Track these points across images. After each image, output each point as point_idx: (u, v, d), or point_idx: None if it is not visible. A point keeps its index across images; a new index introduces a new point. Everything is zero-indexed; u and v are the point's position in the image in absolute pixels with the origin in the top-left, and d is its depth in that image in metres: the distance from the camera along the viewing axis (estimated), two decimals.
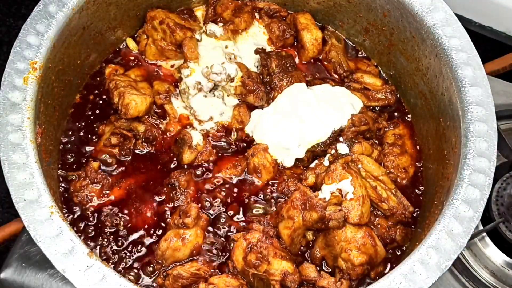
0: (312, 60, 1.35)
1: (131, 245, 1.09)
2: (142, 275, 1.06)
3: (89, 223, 1.11)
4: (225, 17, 1.34)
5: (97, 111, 1.24)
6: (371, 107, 1.28)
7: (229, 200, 1.15)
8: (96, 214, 1.11)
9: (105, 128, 1.20)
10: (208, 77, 1.25)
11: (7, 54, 1.03)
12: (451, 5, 1.16)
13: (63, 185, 1.14)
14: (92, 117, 1.23)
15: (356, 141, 1.18)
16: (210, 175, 1.18)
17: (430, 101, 1.21)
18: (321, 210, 1.04)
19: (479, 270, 1.18)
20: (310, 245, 1.11)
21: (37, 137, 1.02)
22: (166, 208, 1.13)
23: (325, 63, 1.35)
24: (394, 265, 1.10)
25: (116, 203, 1.13)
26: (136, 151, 1.19)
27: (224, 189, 1.16)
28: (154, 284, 1.06)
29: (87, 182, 1.13)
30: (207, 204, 1.14)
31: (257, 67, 1.31)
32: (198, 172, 1.18)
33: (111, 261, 1.07)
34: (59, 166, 1.16)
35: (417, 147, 1.26)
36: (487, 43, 1.53)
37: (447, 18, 1.15)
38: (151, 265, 1.07)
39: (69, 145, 1.19)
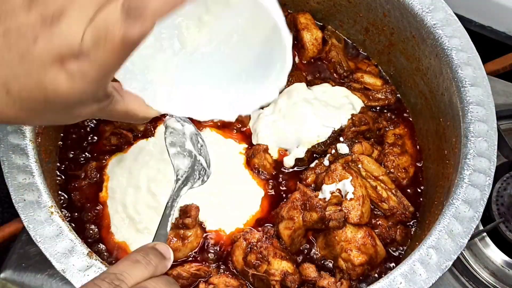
0: (312, 60, 1.35)
1: None
2: None
3: (88, 223, 1.10)
4: None
5: None
6: (371, 107, 1.28)
7: None
8: (95, 214, 1.11)
9: (105, 127, 1.20)
10: None
11: None
12: (451, 5, 1.16)
13: (62, 184, 1.14)
14: None
15: (356, 141, 1.18)
16: None
17: (430, 101, 1.21)
18: (321, 210, 1.04)
19: (479, 270, 1.18)
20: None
21: (37, 137, 1.02)
22: None
23: (325, 62, 1.35)
24: (393, 265, 1.10)
25: None
26: None
27: None
28: None
29: (87, 181, 1.13)
30: None
31: None
32: None
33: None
34: (59, 165, 1.16)
35: (417, 147, 1.26)
36: (487, 43, 1.52)
37: (447, 18, 1.14)
38: None
39: (69, 145, 1.19)
